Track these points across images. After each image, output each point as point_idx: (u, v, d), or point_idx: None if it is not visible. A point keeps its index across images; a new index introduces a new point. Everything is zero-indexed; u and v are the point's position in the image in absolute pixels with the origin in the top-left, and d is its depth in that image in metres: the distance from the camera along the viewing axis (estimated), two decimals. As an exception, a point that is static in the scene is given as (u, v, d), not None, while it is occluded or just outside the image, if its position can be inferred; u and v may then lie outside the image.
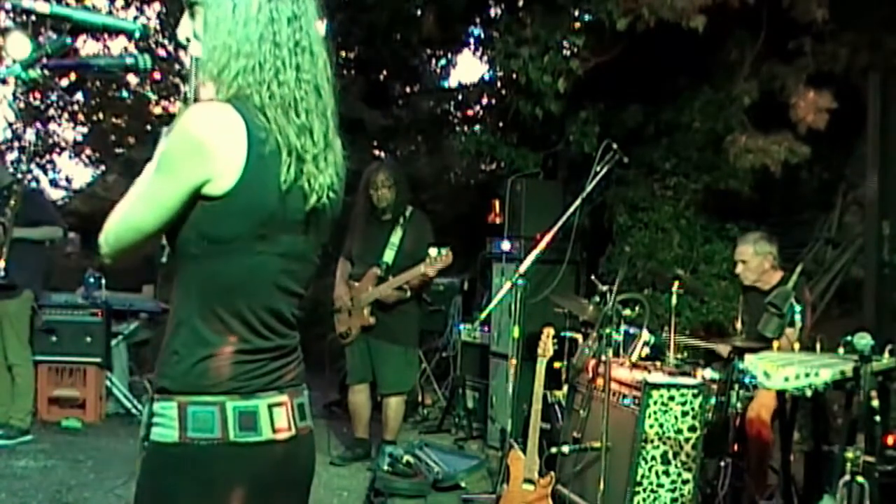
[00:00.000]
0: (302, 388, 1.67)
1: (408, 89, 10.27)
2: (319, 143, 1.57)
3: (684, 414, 3.76)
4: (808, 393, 2.80)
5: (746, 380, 4.05)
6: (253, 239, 1.53)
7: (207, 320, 1.53)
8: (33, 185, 11.51)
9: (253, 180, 1.49)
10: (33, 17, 1.51)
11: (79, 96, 11.89)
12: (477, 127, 9.39)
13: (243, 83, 1.52)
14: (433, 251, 4.83)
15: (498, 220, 6.39)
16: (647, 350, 4.41)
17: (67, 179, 13.08)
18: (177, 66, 11.73)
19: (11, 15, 7.36)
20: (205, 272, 1.54)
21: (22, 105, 11.84)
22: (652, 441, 3.74)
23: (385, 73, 9.73)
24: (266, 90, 1.53)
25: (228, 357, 1.54)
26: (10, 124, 11.91)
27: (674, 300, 4.47)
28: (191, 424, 1.52)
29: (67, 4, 1.59)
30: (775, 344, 3.72)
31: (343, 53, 9.32)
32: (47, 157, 12.45)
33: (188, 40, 1.60)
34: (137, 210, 1.54)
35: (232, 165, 1.48)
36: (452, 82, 10.57)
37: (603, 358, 3.97)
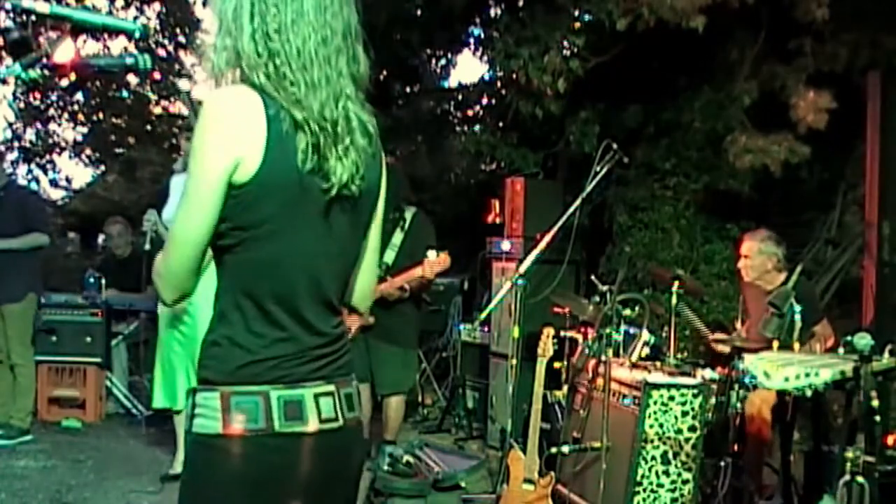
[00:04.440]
0: (350, 378, 1.65)
1: (408, 89, 10.25)
2: (339, 125, 1.56)
3: (684, 414, 3.76)
4: (808, 393, 2.80)
5: (746, 380, 4.05)
6: (282, 221, 1.52)
7: (247, 310, 1.53)
8: (33, 185, 11.56)
9: (275, 157, 1.49)
10: (33, 17, 1.51)
11: (79, 96, 11.90)
12: (477, 127, 9.39)
13: (251, 78, 1.54)
14: (431, 254, 4.82)
15: (498, 220, 6.39)
16: (647, 350, 4.41)
17: (67, 179, 13.11)
18: (177, 66, 11.74)
19: (11, 15, 7.36)
20: (239, 260, 1.53)
21: (22, 105, 11.86)
22: (652, 441, 3.74)
23: (385, 73, 9.72)
24: (274, 80, 1.53)
25: (271, 346, 1.52)
26: (10, 124, 11.92)
27: (674, 300, 4.48)
28: (235, 415, 1.50)
29: (67, 4, 1.59)
30: (775, 344, 3.72)
31: (343, 53, 9.29)
32: (47, 157, 12.46)
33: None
34: (183, 220, 1.52)
35: (255, 142, 1.49)
36: (452, 82, 10.56)
37: (603, 358, 3.97)
